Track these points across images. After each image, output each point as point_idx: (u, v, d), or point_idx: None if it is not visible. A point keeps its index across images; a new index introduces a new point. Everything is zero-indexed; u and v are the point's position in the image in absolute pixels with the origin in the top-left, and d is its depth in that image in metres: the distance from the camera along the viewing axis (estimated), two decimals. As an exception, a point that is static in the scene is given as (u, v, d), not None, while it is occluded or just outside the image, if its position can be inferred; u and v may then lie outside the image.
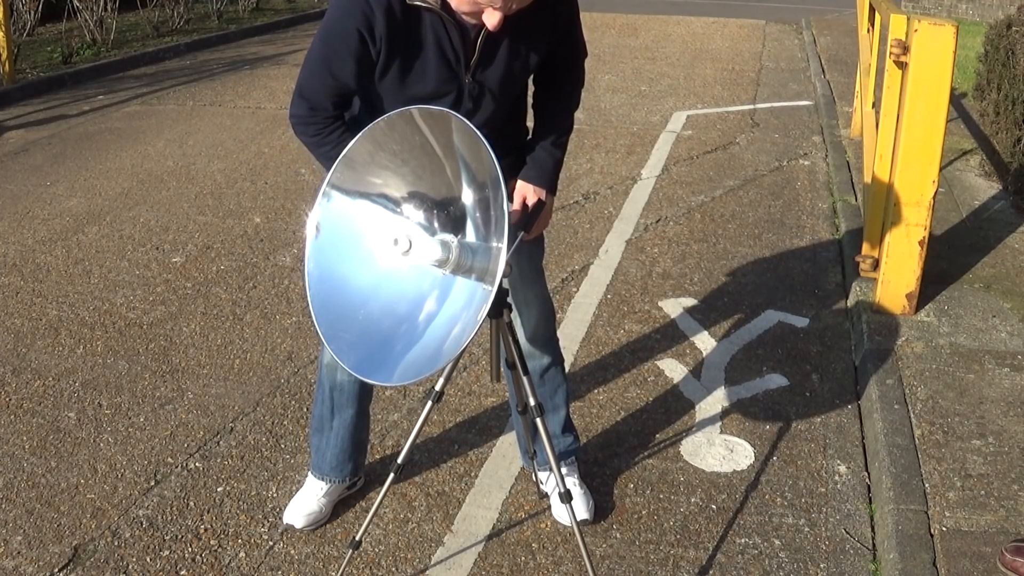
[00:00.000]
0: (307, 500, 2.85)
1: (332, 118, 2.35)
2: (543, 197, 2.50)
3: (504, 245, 1.89)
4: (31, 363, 3.78)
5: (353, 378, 2.70)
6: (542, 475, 2.95)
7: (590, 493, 2.93)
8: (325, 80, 2.29)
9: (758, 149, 6.94)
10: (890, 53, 4.21)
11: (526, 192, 2.49)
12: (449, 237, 2.09)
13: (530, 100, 2.58)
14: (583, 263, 4.80)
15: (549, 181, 2.51)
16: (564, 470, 2.91)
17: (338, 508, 2.92)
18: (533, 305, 2.71)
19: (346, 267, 2.15)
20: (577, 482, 2.91)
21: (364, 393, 2.80)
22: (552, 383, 2.85)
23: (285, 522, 2.83)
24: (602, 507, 2.94)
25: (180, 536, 2.80)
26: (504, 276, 1.94)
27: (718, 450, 3.25)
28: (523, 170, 2.51)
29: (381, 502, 2.41)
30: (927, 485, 2.92)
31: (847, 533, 2.86)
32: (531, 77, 2.47)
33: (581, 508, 2.83)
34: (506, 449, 3.22)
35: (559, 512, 2.88)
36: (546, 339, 2.79)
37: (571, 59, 2.52)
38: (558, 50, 2.44)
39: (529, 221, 2.43)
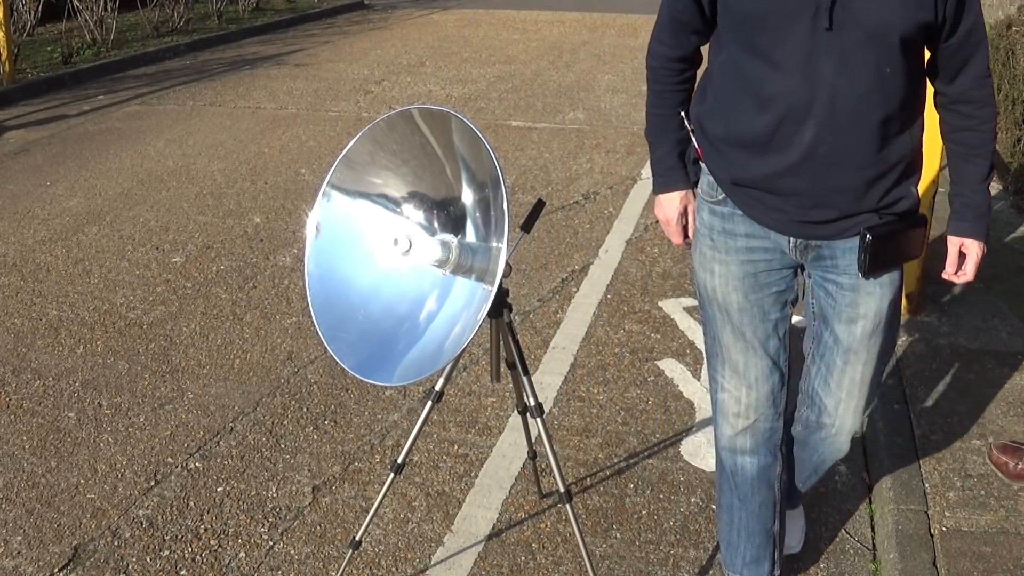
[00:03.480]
0: None
1: (679, 63, 2.17)
2: (981, 250, 2.15)
3: (504, 245, 1.90)
4: (31, 363, 3.78)
5: (755, 461, 2.35)
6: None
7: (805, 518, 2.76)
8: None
9: (758, 149, 6.93)
10: (890, 53, 4.20)
11: (967, 248, 2.15)
12: (449, 237, 2.09)
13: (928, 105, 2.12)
14: (583, 263, 4.80)
15: (986, 230, 2.15)
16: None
17: (338, 508, 2.92)
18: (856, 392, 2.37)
19: (346, 267, 2.15)
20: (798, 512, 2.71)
21: (768, 477, 2.37)
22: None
23: None
24: (602, 507, 2.94)
25: (180, 536, 2.80)
26: (504, 276, 1.95)
27: (718, 450, 3.25)
28: (958, 220, 2.16)
29: (381, 502, 2.42)
30: (927, 485, 2.92)
31: (847, 533, 2.86)
32: (916, 41, 1.97)
33: (796, 534, 2.67)
34: (506, 449, 3.22)
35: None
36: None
37: (970, 29, 2.00)
38: (949, 7, 1.94)
39: (530, 220, 2.32)
